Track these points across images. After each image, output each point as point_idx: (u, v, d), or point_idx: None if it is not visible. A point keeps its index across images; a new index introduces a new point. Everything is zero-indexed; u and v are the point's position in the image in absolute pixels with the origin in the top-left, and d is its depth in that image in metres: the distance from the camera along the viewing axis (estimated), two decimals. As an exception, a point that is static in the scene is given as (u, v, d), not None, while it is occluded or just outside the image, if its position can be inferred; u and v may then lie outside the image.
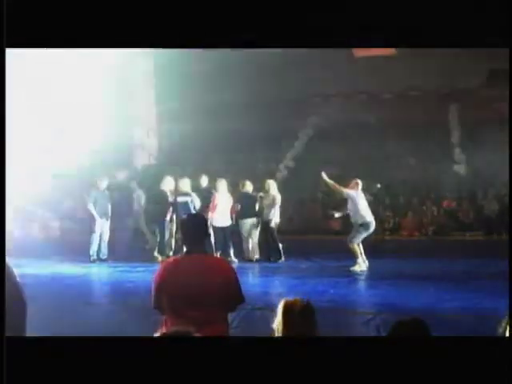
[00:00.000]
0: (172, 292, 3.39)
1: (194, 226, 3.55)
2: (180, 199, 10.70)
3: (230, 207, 10.77)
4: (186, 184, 10.92)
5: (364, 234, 9.63)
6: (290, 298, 3.12)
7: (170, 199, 10.93)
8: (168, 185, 11.11)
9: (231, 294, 3.42)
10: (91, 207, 11.21)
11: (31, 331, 2.99)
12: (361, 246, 9.69)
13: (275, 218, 10.80)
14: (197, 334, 3.28)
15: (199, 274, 3.35)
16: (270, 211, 10.71)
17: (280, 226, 11.22)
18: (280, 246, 10.78)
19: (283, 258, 10.73)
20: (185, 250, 3.61)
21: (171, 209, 10.95)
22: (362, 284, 9.05)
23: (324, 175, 9.97)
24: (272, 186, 10.95)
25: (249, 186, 10.94)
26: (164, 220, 10.97)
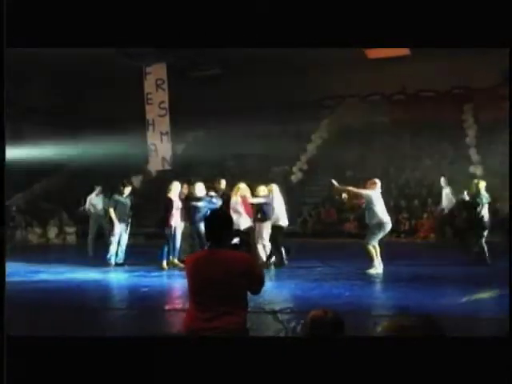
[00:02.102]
0: (193, 284, 3.56)
1: (218, 222, 3.66)
2: (193, 204, 10.69)
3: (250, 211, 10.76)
4: (200, 189, 10.89)
5: (380, 235, 9.59)
6: (318, 310, 3.07)
7: (179, 204, 10.90)
8: (175, 190, 10.97)
9: (254, 281, 3.56)
10: (111, 212, 11.30)
11: (49, 334, 3.01)
12: (377, 248, 9.63)
13: (284, 220, 10.74)
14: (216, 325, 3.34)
15: (220, 266, 3.46)
16: (277, 214, 10.65)
17: (295, 229, 11.15)
18: (283, 250, 10.67)
19: (286, 263, 10.57)
20: (208, 244, 3.72)
21: (175, 214, 10.86)
22: (377, 287, 9.00)
23: (334, 182, 9.95)
24: (275, 189, 10.89)
25: (264, 190, 10.97)
26: (170, 227, 10.83)
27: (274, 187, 10.92)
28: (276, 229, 10.63)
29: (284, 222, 10.72)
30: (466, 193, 10.78)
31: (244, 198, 10.56)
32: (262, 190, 10.88)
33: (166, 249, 10.80)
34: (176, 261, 10.88)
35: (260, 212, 10.62)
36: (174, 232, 10.89)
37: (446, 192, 13.94)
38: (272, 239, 10.65)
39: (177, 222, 10.90)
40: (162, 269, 10.60)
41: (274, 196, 10.72)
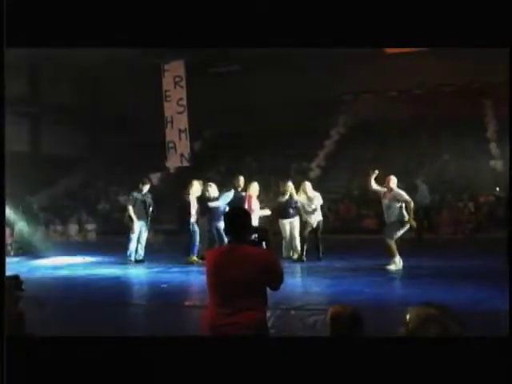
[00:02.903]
0: (213, 279, 3.57)
1: (237, 218, 3.68)
2: (211, 204, 10.74)
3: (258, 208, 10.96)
4: (213, 189, 10.96)
5: (401, 231, 9.52)
6: (337, 306, 3.16)
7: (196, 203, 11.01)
8: (195, 192, 11.11)
9: (274, 277, 3.57)
10: (130, 209, 11.37)
11: (68, 331, 3.04)
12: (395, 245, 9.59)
13: (318, 217, 10.93)
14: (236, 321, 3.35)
15: (240, 262, 3.48)
16: (312, 211, 10.83)
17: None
18: (320, 246, 10.93)
19: (321, 257, 10.87)
20: (227, 240, 3.76)
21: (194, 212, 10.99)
22: (397, 283, 8.94)
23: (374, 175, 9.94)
24: (308, 186, 11.06)
25: (290, 187, 11.12)
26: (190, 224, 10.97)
27: (307, 184, 11.11)
28: (307, 224, 10.82)
29: (316, 217, 10.86)
30: (497, 188, 10.73)
31: (250, 196, 10.68)
32: (290, 187, 11.07)
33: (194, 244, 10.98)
34: (195, 258, 10.97)
35: (286, 209, 10.81)
36: (193, 229, 10.97)
37: (422, 189, 14.17)
38: (302, 234, 10.87)
39: (194, 219, 11.02)
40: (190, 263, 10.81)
41: (305, 192, 10.91)
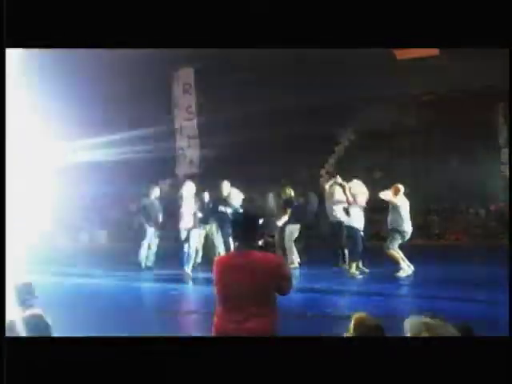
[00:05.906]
0: (223, 286, 3.57)
1: (246, 223, 3.68)
2: (220, 208, 10.58)
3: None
4: (225, 189, 10.50)
5: (400, 241, 9.51)
6: (362, 314, 3.17)
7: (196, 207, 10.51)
8: (187, 191, 10.42)
9: (283, 283, 3.57)
10: (141, 216, 11.38)
11: (82, 335, 3.06)
12: (399, 251, 9.54)
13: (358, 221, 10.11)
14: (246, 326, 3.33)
15: (248, 267, 3.47)
16: (353, 215, 9.99)
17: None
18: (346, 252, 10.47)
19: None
20: (236, 245, 3.77)
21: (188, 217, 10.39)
22: (408, 290, 8.90)
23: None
24: (355, 186, 10.04)
25: (292, 192, 11.07)
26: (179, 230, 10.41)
27: (355, 183, 10.05)
28: (349, 229, 10.07)
29: (353, 222, 9.96)
30: None
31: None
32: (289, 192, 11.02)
33: (186, 253, 10.23)
34: (186, 269, 10.13)
35: (292, 214, 10.76)
36: (188, 236, 10.27)
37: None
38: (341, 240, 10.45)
39: (189, 225, 10.30)
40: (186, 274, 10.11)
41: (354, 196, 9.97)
